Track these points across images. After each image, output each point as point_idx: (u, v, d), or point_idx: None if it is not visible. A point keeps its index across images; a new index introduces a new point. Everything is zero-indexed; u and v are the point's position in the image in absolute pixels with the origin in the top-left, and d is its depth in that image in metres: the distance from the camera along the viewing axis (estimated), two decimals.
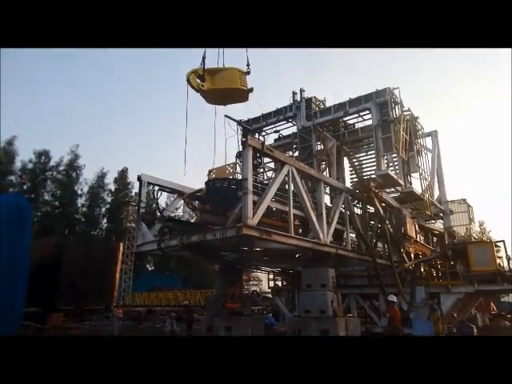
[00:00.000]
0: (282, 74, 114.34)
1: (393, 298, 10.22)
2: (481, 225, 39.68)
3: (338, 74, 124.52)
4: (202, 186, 10.27)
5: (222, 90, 8.56)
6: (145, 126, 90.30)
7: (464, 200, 18.96)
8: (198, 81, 8.26)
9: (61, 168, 41.88)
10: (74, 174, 42.53)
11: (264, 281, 32.29)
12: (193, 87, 8.22)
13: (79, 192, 43.01)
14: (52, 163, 41.42)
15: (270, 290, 20.33)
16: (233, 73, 8.56)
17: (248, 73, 8.74)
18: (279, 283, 18.39)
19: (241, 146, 12.88)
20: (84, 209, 43.51)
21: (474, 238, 18.70)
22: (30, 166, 39.81)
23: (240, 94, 8.89)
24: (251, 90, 8.80)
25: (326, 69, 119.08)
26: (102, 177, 44.85)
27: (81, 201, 43.32)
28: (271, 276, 18.25)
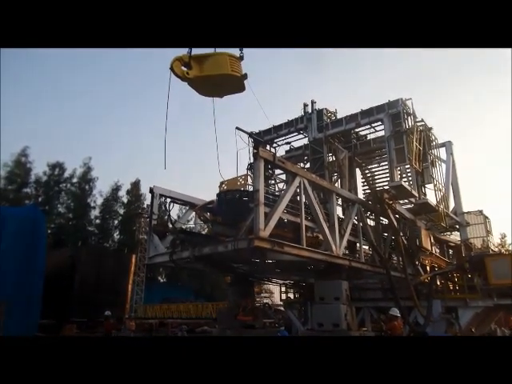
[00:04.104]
0: (282, 74, 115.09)
1: (395, 311, 9.63)
2: (502, 237, 38.76)
3: (339, 73, 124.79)
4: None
5: (210, 77, 7.63)
6: (152, 135, 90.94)
7: (480, 211, 18.55)
8: (184, 68, 7.36)
9: (74, 180, 42.60)
10: (86, 187, 43.11)
11: (276, 293, 31.99)
12: (177, 75, 7.35)
13: (92, 204, 43.57)
14: (65, 175, 42.18)
15: (282, 303, 20.11)
16: (222, 58, 7.64)
17: (241, 58, 7.82)
18: (291, 296, 18.19)
19: (252, 158, 12.92)
20: (97, 221, 44.00)
21: (492, 250, 18.22)
22: (44, 178, 40.54)
23: (234, 83, 7.95)
24: (245, 76, 7.86)
25: (326, 67, 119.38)
26: (116, 189, 45.43)
27: (94, 213, 43.88)
28: (283, 288, 18.05)
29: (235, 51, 7.81)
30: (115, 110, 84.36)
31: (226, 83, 7.97)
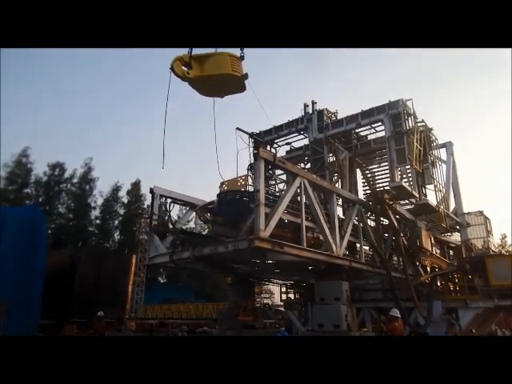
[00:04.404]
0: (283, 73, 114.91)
1: (395, 312, 9.62)
2: (503, 238, 38.78)
3: (338, 73, 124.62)
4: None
5: (210, 76, 7.60)
6: (151, 135, 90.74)
7: (481, 212, 18.52)
8: (184, 68, 7.31)
9: (74, 180, 42.62)
10: (87, 187, 43.14)
11: (276, 294, 31.95)
12: (177, 75, 7.30)
13: (93, 204, 43.59)
14: (65, 175, 42.20)
15: (282, 303, 20.09)
16: (223, 57, 7.61)
17: (242, 58, 7.79)
18: (292, 296, 18.17)
19: (253, 158, 12.91)
20: (97, 221, 44.00)
21: (493, 251, 18.19)
22: (45, 178, 40.58)
23: (234, 83, 7.93)
24: (246, 76, 7.82)
25: (326, 67, 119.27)
26: (116, 190, 45.45)
27: (94, 213, 43.90)
28: (283, 289, 18.04)
29: (236, 51, 7.78)
30: (115, 109, 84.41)
31: (227, 83, 7.94)
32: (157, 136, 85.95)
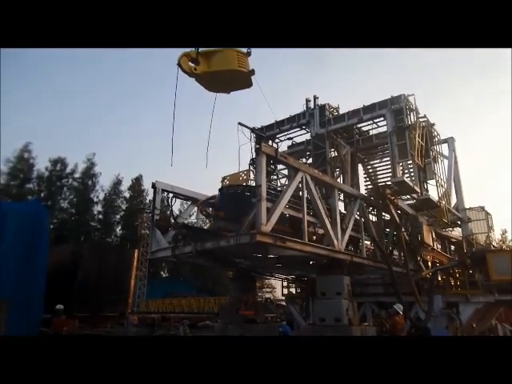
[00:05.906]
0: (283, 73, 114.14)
1: (398, 307, 9.68)
2: (503, 233, 38.81)
3: (339, 73, 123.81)
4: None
5: (217, 72, 7.63)
6: (154, 131, 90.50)
7: (482, 207, 18.48)
8: (191, 64, 7.34)
9: (76, 175, 42.69)
10: (89, 182, 43.22)
11: (278, 288, 32.10)
12: (184, 71, 7.33)
13: (95, 199, 43.69)
14: (67, 170, 42.24)
15: (283, 298, 20.18)
16: (230, 53, 7.63)
17: (248, 54, 7.79)
18: (293, 290, 18.25)
19: (254, 153, 12.90)
20: (100, 216, 44.12)
21: (494, 246, 18.18)
22: (46, 173, 40.65)
23: (241, 79, 7.95)
24: (252, 72, 7.82)
25: (327, 67, 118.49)
26: (117, 184, 45.53)
27: (97, 208, 44.01)
28: (285, 283, 18.12)
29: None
30: (115, 109, 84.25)
31: (234, 79, 7.96)
32: (156, 135, 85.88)
